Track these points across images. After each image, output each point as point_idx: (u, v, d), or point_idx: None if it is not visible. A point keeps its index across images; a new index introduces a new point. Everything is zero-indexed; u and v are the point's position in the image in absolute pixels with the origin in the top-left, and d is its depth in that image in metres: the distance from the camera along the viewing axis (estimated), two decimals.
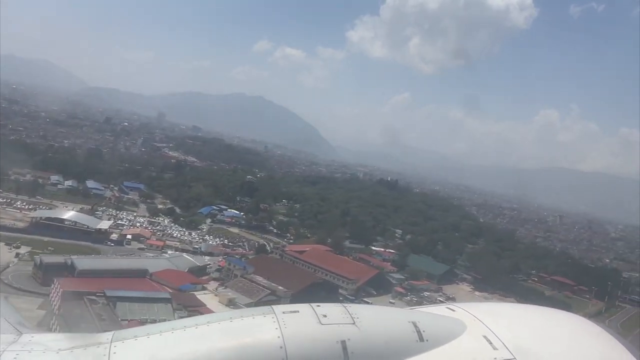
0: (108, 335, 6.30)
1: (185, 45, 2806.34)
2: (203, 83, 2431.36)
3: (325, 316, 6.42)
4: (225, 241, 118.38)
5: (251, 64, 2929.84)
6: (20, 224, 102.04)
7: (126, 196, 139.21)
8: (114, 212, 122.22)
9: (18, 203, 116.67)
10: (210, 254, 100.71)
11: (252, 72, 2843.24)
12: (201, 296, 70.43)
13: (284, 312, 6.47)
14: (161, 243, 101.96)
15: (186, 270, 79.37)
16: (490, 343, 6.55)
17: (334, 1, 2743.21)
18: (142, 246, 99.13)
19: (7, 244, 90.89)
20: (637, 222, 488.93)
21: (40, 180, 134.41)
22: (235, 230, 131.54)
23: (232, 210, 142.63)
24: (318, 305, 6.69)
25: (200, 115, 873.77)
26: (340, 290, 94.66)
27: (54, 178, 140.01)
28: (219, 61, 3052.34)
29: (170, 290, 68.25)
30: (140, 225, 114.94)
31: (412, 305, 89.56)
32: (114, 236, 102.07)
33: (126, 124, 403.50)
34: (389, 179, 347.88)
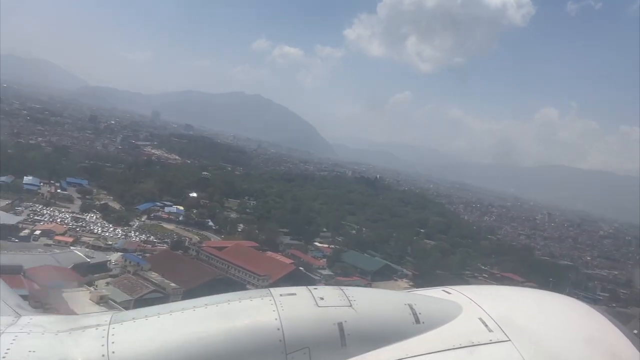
0: (106, 317, 6.36)
1: (184, 45, 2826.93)
2: (202, 82, 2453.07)
3: (322, 298, 6.54)
4: (152, 237, 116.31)
5: (250, 63, 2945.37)
6: None
7: (63, 192, 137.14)
8: (39, 207, 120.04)
9: None
10: (124, 250, 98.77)
11: (250, 71, 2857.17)
12: (76, 294, 68.21)
13: (281, 295, 6.60)
14: (70, 239, 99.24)
15: (70, 267, 76.97)
16: (486, 325, 6.66)
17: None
18: (50, 242, 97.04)
19: None
20: (635, 220, 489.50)
21: None
22: (171, 226, 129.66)
23: (176, 207, 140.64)
24: (315, 288, 6.82)
25: (198, 114, 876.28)
26: (248, 287, 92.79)
27: None
28: (217, 60, 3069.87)
29: (38, 288, 66.15)
30: (61, 221, 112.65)
31: None
32: (26, 232, 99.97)
33: (113, 122, 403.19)
34: (367, 177, 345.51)
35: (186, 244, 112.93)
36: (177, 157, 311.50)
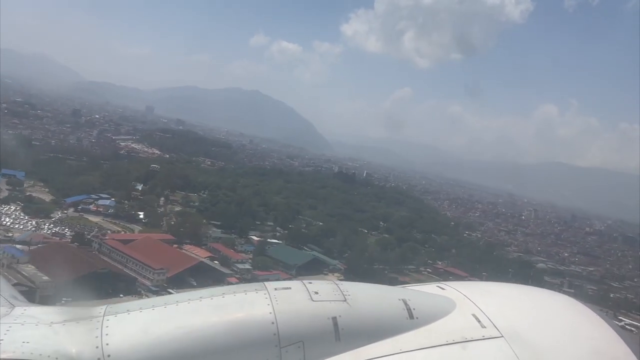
0: (100, 309, 6.37)
1: (182, 40, 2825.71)
2: (199, 77, 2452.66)
3: (316, 293, 6.56)
4: (66, 230, 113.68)
5: (248, 59, 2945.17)
6: None
7: None
8: None
9: None
10: (26, 243, 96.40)
11: (248, 67, 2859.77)
12: None
13: (275, 289, 6.59)
14: None
15: None
16: (479, 321, 6.72)
17: None
18: None
19: None
20: (630, 217, 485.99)
21: None
22: (97, 219, 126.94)
23: (110, 199, 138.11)
24: (310, 282, 6.85)
25: (196, 110, 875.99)
26: (144, 280, 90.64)
27: None
28: (215, 55, 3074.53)
29: None
30: None
31: None
32: None
33: (97, 116, 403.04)
34: (346, 172, 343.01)
35: (89, 236, 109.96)
36: (156, 152, 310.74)
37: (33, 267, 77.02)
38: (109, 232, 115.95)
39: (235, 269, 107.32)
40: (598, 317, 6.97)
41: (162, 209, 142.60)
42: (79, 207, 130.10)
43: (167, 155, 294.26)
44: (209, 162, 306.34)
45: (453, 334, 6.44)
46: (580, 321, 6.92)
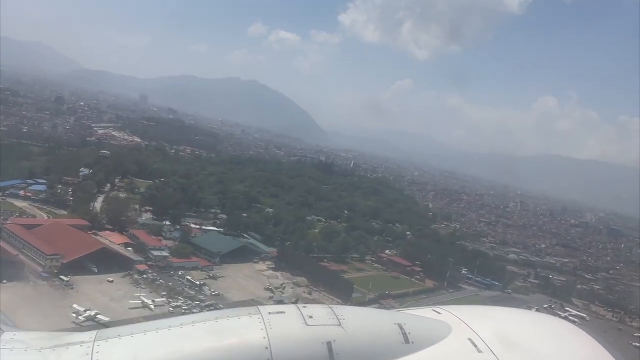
0: (91, 334, 6.29)
1: (181, 30, 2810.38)
2: (198, 67, 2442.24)
3: (311, 317, 6.52)
4: None
5: (246, 48, 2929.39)
6: None
7: None
8: None
9: None
10: None
11: (247, 57, 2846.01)
12: None
13: (269, 313, 6.56)
14: None
15: None
16: (475, 346, 6.72)
17: None
18: None
19: None
20: (627, 210, 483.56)
21: None
22: (24, 204, 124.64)
23: (44, 185, 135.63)
24: (304, 306, 6.87)
25: (193, 99, 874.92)
26: (35, 266, 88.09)
27: None
28: (213, 45, 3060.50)
29: None
30: None
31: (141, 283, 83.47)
32: None
33: (82, 104, 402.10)
34: (325, 162, 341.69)
35: None
36: (136, 139, 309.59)
37: None
38: (14, 216, 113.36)
39: (150, 256, 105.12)
40: (594, 340, 6.99)
41: (99, 195, 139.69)
42: (7, 192, 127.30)
43: (147, 143, 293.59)
44: (189, 151, 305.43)
45: (449, 358, 6.41)
46: (576, 345, 6.90)
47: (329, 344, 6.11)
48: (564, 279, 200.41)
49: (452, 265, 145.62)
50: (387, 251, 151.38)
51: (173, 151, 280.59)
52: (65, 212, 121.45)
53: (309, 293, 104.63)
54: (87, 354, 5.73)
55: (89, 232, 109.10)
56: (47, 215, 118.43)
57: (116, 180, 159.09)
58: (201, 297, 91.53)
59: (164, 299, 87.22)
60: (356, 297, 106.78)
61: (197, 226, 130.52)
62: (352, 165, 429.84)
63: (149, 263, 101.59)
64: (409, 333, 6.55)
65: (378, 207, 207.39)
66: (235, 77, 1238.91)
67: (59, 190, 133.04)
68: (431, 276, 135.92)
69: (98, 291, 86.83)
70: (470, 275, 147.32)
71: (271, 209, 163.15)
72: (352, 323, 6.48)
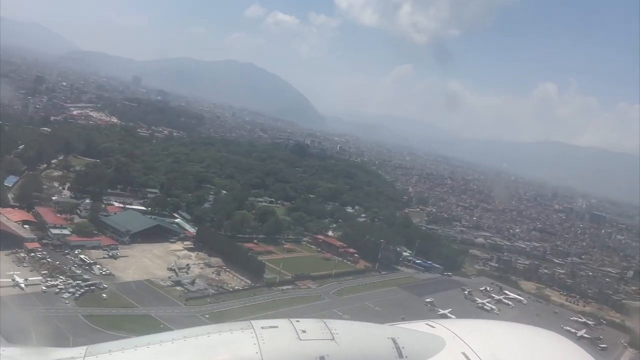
0: (81, 350, 6.24)
1: (178, 11, 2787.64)
2: (195, 49, 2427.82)
3: (304, 332, 6.47)
4: None
5: (244, 30, 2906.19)
6: None
7: None
8: None
9: None
10: None
11: (245, 39, 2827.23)
12: None
13: (262, 328, 6.49)
14: None
15: None
16: None
17: None
18: None
19: None
20: (625, 197, 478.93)
21: None
22: None
23: None
24: (297, 321, 6.78)
25: (191, 82, 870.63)
26: None
27: None
28: (212, 27, 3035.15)
29: None
30: None
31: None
32: None
33: (64, 84, 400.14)
34: (302, 145, 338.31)
35: None
36: (114, 120, 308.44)
37: None
38: None
39: (49, 234, 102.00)
40: (585, 353, 7.07)
41: (29, 172, 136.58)
42: None
43: (123, 124, 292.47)
44: (167, 132, 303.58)
45: None
46: (567, 357, 6.98)
47: (322, 358, 5.97)
48: (527, 263, 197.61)
49: (392, 248, 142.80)
50: (330, 233, 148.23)
51: (148, 132, 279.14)
52: None
53: (218, 274, 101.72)
54: None
55: None
56: None
57: (59, 158, 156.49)
58: (87, 276, 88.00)
59: (42, 277, 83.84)
60: (268, 279, 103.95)
61: (122, 205, 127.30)
62: (338, 149, 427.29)
63: (43, 241, 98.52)
64: (403, 347, 6.42)
65: (339, 190, 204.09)
66: (233, 60, 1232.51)
67: None
68: (367, 258, 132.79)
69: None
70: (411, 258, 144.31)
71: (222, 190, 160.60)
72: (346, 337, 6.33)
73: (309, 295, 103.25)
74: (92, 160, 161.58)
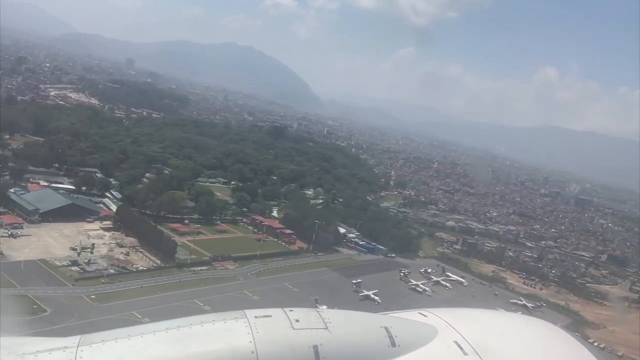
0: (75, 340, 6.27)
1: None
2: (194, 32, 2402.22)
3: (297, 321, 6.52)
4: None
5: (242, 12, 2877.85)
6: None
7: None
8: None
9: None
10: None
11: (243, 21, 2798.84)
12: None
13: (256, 317, 6.52)
14: None
15: None
16: (461, 348, 6.77)
17: None
18: None
19: None
20: (623, 182, 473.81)
21: None
22: None
23: None
24: (291, 310, 6.82)
25: (188, 65, 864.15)
26: None
27: None
28: (210, 9, 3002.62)
29: None
30: None
31: None
32: None
33: (48, 65, 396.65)
34: (279, 127, 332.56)
35: None
36: (94, 102, 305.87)
37: None
38: None
39: None
40: (578, 342, 7.09)
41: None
42: None
43: (102, 105, 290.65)
44: (145, 113, 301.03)
45: None
46: (559, 346, 7.00)
47: (315, 347, 6.02)
48: (494, 246, 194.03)
49: (334, 229, 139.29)
50: (275, 214, 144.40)
51: (125, 114, 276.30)
52: None
53: (127, 254, 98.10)
54: (71, 359, 5.62)
55: None
56: None
57: (4, 137, 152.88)
58: None
59: None
60: (181, 259, 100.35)
61: (47, 184, 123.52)
62: (325, 132, 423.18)
63: None
64: (396, 336, 6.47)
65: (301, 172, 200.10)
66: (232, 43, 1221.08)
67: None
68: (305, 240, 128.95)
69: None
70: (355, 239, 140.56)
71: (165, 170, 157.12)
72: (339, 326, 6.38)
73: (223, 276, 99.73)
74: (38, 139, 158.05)
